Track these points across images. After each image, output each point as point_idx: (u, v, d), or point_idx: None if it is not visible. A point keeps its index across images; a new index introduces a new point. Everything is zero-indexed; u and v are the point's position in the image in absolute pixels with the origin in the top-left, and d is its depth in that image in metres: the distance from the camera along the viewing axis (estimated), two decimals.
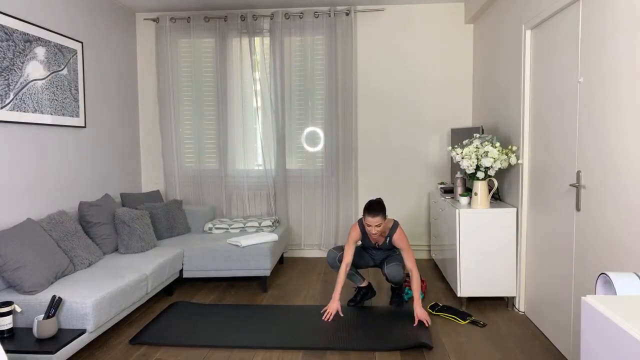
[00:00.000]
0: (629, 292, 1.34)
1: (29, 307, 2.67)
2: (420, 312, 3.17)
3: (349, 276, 3.54)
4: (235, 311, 3.47)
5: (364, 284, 3.61)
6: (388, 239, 3.39)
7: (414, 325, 3.15)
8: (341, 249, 3.52)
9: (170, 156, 5.03)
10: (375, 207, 3.20)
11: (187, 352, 2.86)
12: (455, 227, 3.49)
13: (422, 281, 3.85)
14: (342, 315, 3.34)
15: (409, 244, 3.34)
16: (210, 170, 5.08)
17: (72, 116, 3.85)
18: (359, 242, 3.48)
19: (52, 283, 2.89)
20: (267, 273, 3.90)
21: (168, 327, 3.18)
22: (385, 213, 3.24)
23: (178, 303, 3.64)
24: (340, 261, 3.45)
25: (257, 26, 4.93)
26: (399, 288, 3.62)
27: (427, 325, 3.14)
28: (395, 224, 3.36)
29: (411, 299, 3.64)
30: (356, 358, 2.77)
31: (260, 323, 3.25)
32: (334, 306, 3.30)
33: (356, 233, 3.38)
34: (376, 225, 3.19)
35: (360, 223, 3.41)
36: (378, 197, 3.27)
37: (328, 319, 3.26)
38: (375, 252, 3.53)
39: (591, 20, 2.40)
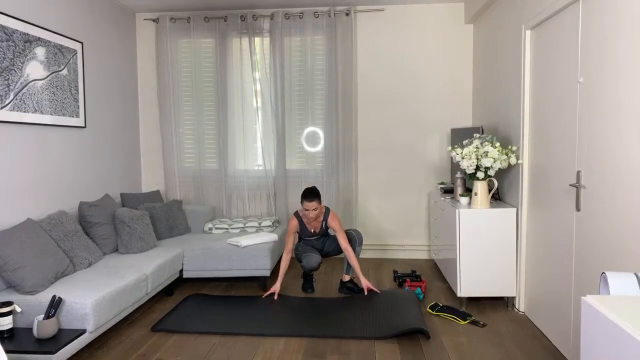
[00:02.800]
0: (623, 292, 1.34)
1: (29, 307, 2.67)
2: (365, 283, 3.70)
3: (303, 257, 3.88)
4: (245, 302, 3.68)
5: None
6: (324, 223, 3.85)
7: (365, 294, 3.67)
8: (316, 252, 3.83)
9: (170, 156, 5.03)
10: (312, 193, 3.66)
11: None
12: (455, 227, 3.49)
13: (422, 281, 3.86)
14: (276, 298, 3.70)
15: (341, 225, 3.84)
16: (210, 170, 5.08)
17: (72, 116, 3.85)
18: (297, 231, 3.90)
19: (52, 283, 2.89)
20: (267, 273, 3.90)
21: (184, 316, 3.40)
22: (320, 199, 3.70)
23: (194, 295, 3.84)
24: (320, 263, 3.79)
25: (257, 26, 4.93)
26: (351, 282, 3.88)
27: (377, 291, 3.67)
28: (327, 209, 3.85)
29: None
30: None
31: (267, 313, 3.42)
32: (277, 286, 3.74)
33: (294, 224, 3.80)
34: (313, 209, 3.66)
35: (297, 215, 3.84)
36: (313, 185, 3.83)
37: (266, 296, 3.71)
38: (315, 241, 3.94)
39: (591, 20, 2.40)
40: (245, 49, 4.93)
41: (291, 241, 3.82)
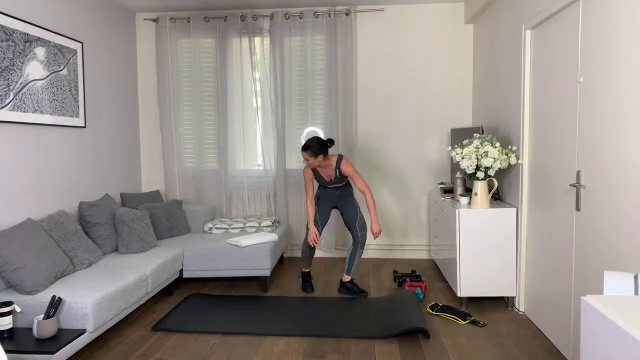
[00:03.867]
0: (618, 292, 1.34)
1: (29, 307, 2.67)
2: (375, 228, 3.67)
3: (305, 256, 3.95)
4: (245, 302, 3.70)
5: (307, 270, 4.02)
6: (338, 171, 3.78)
7: (374, 238, 3.70)
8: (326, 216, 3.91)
9: (170, 156, 5.03)
10: (306, 144, 3.64)
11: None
12: (455, 227, 3.49)
13: (422, 281, 3.86)
14: (320, 236, 3.88)
15: (356, 170, 3.79)
16: (210, 170, 5.08)
17: (72, 116, 3.85)
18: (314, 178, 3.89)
19: (52, 283, 2.89)
20: (267, 273, 3.90)
21: (184, 316, 3.41)
22: (316, 151, 3.60)
23: (194, 295, 3.86)
24: (311, 247, 3.88)
25: (257, 26, 4.93)
26: (351, 282, 3.84)
27: (374, 236, 3.68)
28: (340, 156, 3.78)
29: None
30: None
31: (267, 313, 3.44)
32: (314, 228, 3.78)
33: (309, 172, 3.82)
34: (305, 160, 3.65)
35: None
36: (317, 136, 3.77)
37: (315, 241, 3.75)
38: (332, 191, 3.91)
39: (591, 20, 2.40)
40: (245, 49, 4.93)
41: (311, 188, 3.82)
